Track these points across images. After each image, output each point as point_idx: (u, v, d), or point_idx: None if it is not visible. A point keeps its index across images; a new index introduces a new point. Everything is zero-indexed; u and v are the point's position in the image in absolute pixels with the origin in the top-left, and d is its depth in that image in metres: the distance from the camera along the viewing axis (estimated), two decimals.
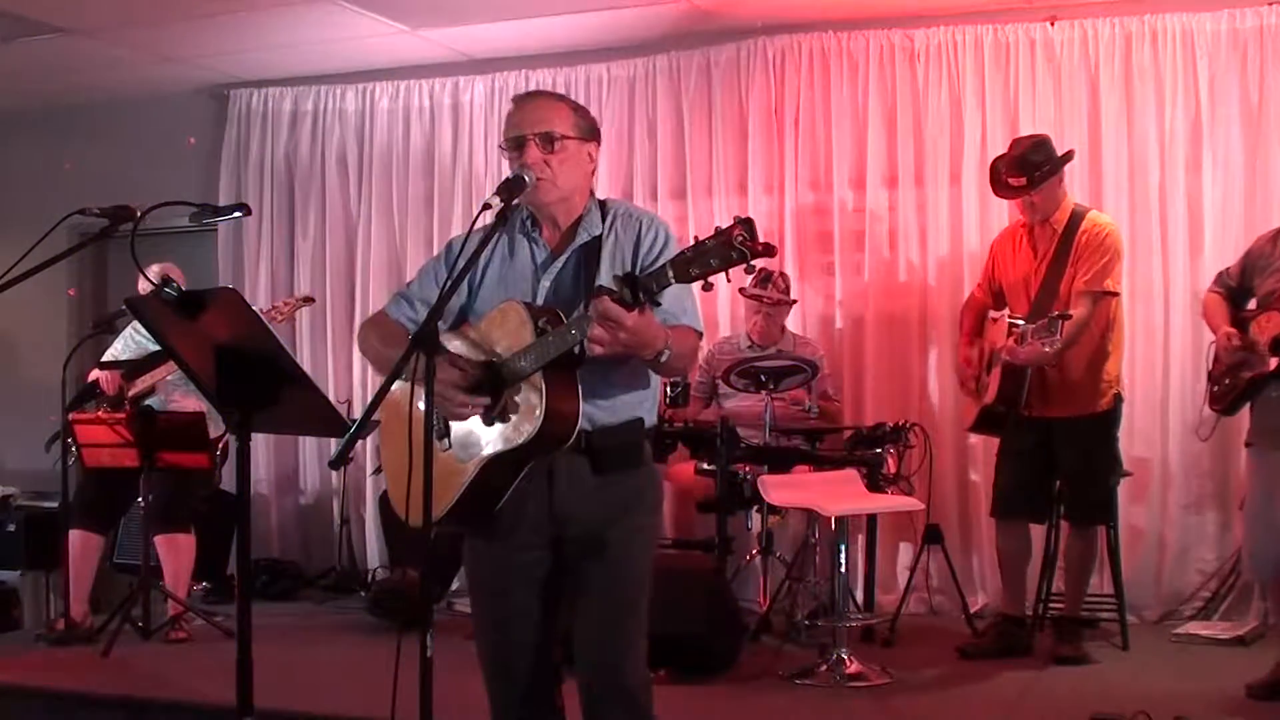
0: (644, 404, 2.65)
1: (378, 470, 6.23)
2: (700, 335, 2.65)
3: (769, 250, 2.24)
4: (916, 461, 5.28)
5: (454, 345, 2.57)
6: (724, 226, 2.23)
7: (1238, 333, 4.20)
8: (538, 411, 2.42)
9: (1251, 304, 4.30)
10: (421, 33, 6.26)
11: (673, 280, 2.27)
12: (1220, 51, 5.47)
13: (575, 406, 2.46)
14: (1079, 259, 4.68)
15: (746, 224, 2.22)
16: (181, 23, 6.07)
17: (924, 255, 5.91)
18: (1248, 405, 4.23)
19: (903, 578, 5.66)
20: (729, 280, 2.31)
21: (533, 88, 6.38)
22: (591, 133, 2.69)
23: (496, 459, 2.49)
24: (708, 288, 2.28)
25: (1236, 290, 4.36)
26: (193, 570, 5.52)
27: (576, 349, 2.40)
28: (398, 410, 2.59)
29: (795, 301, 5.84)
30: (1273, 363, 4.04)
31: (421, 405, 2.33)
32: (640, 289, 2.29)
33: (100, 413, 5.35)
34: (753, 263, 2.21)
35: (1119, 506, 5.05)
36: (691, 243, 2.26)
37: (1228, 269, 4.46)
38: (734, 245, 2.20)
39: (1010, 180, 4.80)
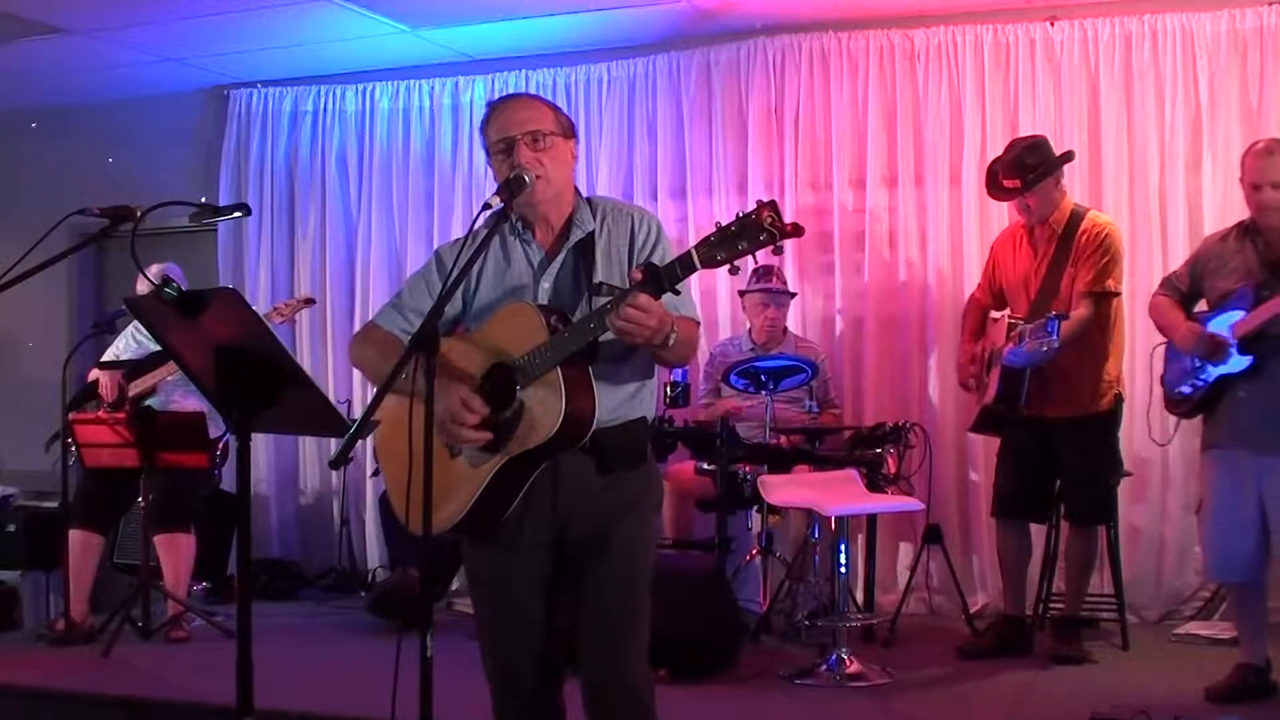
0: (646, 400, 2.66)
1: (376, 473, 6.23)
2: (698, 324, 2.68)
3: (797, 230, 2.30)
4: (916, 461, 5.28)
5: (456, 348, 2.56)
6: (746, 211, 2.29)
7: (1201, 327, 4.10)
8: (559, 410, 2.42)
9: (1201, 304, 4.24)
10: (421, 33, 6.26)
11: (699, 265, 2.32)
12: (1220, 51, 5.47)
13: (592, 404, 2.47)
14: (1079, 259, 4.67)
15: (773, 206, 2.28)
16: (181, 23, 6.07)
17: (924, 255, 5.91)
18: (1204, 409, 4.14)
19: (903, 578, 5.66)
20: (737, 270, 2.35)
21: (533, 88, 6.41)
22: (570, 130, 2.69)
23: (514, 462, 2.48)
24: (734, 271, 2.35)
25: (1186, 294, 4.28)
26: (193, 570, 5.52)
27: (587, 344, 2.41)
28: (396, 421, 2.56)
29: (795, 295, 5.85)
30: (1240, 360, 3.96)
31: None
32: (666, 278, 2.33)
33: (100, 413, 5.35)
34: (780, 244, 2.27)
35: (1119, 506, 5.05)
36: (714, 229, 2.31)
37: (1175, 272, 4.39)
38: (763, 226, 2.26)
39: (1005, 183, 4.79)
